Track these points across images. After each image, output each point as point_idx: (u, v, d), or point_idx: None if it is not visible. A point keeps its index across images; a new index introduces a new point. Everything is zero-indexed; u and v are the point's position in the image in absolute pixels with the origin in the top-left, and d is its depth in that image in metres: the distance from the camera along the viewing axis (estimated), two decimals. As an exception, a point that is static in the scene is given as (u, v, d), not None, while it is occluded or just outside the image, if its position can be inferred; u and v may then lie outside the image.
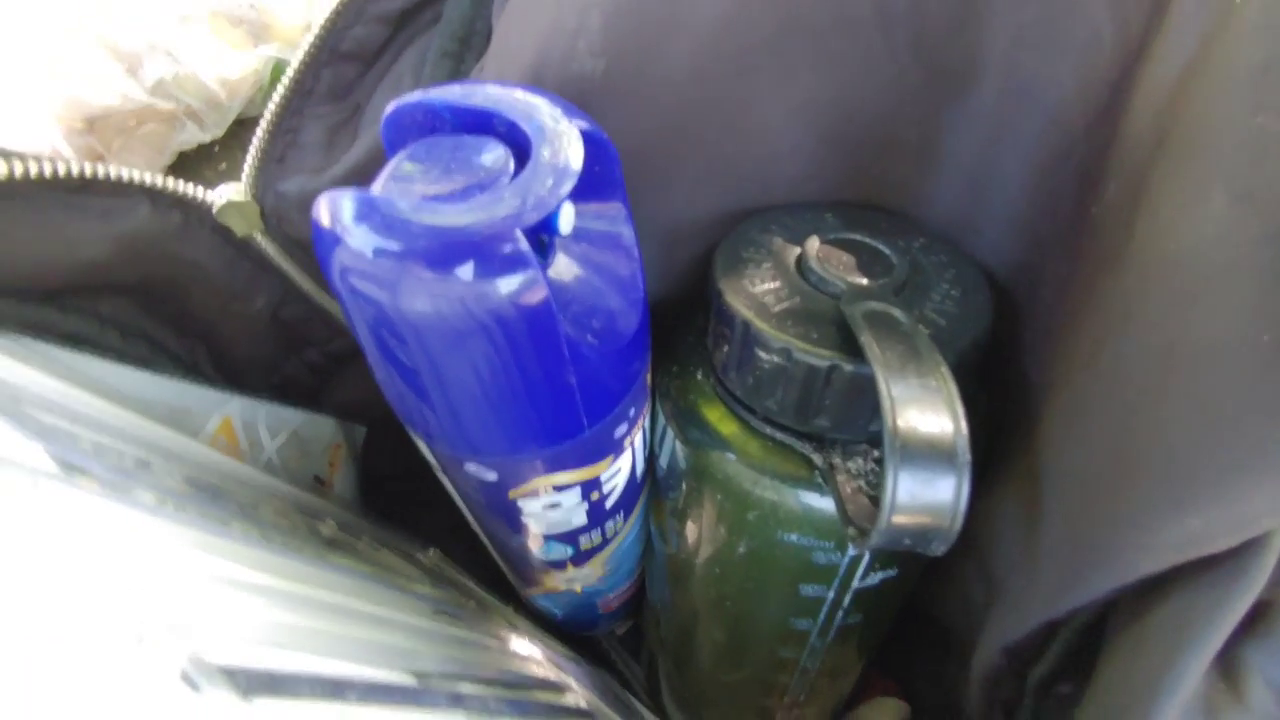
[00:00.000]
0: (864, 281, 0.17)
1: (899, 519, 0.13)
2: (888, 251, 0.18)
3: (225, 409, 0.26)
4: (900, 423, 0.13)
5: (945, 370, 0.14)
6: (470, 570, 0.31)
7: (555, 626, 0.31)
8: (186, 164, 0.48)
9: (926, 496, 0.13)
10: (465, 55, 0.20)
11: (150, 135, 0.43)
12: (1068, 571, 0.14)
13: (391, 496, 0.34)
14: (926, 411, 0.13)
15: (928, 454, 0.13)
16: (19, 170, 0.15)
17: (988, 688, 0.18)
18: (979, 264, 0.18)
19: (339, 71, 0.20)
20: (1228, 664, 0.11)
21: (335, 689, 0.10)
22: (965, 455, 0.13)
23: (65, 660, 0.06)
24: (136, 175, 0.18)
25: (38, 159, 0.15)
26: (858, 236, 0.18)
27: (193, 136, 0.46)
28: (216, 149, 0.49)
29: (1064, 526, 0.14)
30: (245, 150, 0.21)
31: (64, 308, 0.19)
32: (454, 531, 0.29)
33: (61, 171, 0.16)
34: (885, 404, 0.13)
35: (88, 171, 0.16)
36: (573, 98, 0.16)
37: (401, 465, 0.30)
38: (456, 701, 0.12)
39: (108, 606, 0.07)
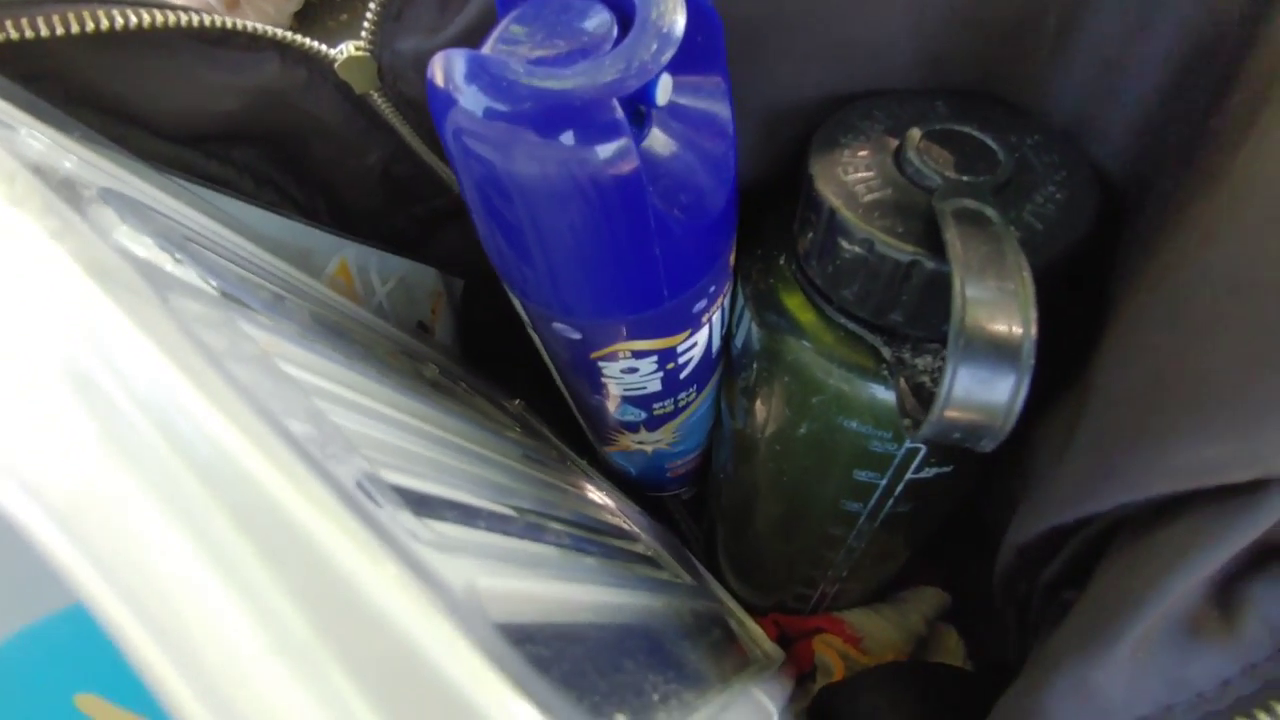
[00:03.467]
0: (963, 177, 0.17)
1: (951, 413, 0.14)
2: (995, 147, 0.17)
3: (342, 251, 0.28)
4: (968, 320, 0.13)
5: (1027, 275, 0.14)
6: (551, 424, 0.34)
7: (627, 484, 0.34)
8: (311, 13, 0.49)
9: (982, 395, 0.13)
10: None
11: (279, -18, 0.44)
12: (1083, 481, 0.14)
13: (484, 348, 0.37)
14: (997, 313, 0.13)
15: (990, 353, 0.13)
16: (169, 19, 0.16)
17: (1005, 584, 0.19)
18: (1095, 167, 0.17)
19: None
20: (1227, 596, 0.12)
21: (468, 514, 0.11)
22: (1029, 359, 0.13)
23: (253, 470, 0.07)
24: (269, 30, 0.19)
25: (184, 10, 0.17)
26: (965, 129, 0.18)
27: (316, -16, 0.47)
28: (338, -1, 0.49)
29: (1091, 439, 0.14)
30: (365, 2, 0.22)
31: (207, 153, 0.21)
32: (538, 387, 0.31)
33: (207, 22, 0.17)
34: (956, 301, 0.13)
35: (227, 24, 0.18)
36: None
37: (494, 318, 0.32)
38: (544, 535, 0.14)
39: (285, 423, 0.09)
